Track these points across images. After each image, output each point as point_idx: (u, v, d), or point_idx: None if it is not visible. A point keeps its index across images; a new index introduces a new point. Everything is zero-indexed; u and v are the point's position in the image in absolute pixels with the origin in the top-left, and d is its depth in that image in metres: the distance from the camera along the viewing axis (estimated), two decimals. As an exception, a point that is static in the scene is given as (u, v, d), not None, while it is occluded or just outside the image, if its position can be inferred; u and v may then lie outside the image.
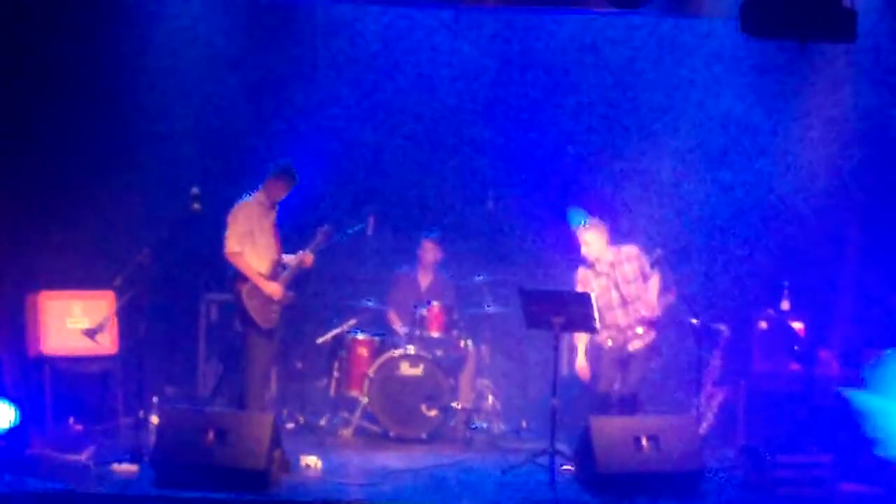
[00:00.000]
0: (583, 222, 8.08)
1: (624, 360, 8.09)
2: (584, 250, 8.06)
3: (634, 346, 8.07)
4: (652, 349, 8.17)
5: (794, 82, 9.24)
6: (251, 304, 7.99)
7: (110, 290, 8.19)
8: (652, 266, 8.02)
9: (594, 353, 8.20)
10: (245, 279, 8.00)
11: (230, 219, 8.02)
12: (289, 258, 8.27)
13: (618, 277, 8.04)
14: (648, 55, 9.66)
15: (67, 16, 8.79)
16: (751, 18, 6.97)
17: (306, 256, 8.25)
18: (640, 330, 8.03)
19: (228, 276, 8.11)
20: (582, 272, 8.16)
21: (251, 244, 8.04)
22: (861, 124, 8.96)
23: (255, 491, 6.81)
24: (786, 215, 9.37)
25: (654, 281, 8.11)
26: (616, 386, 8.09)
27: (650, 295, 8.08)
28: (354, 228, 8.98)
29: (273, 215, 8.21)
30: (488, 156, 9.91)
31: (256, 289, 8.00)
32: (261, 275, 8.04)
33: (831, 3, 6.99)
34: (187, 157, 9.23)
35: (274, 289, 8.05)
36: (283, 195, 8.18)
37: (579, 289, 8.02)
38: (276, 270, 8.16)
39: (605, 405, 8.02)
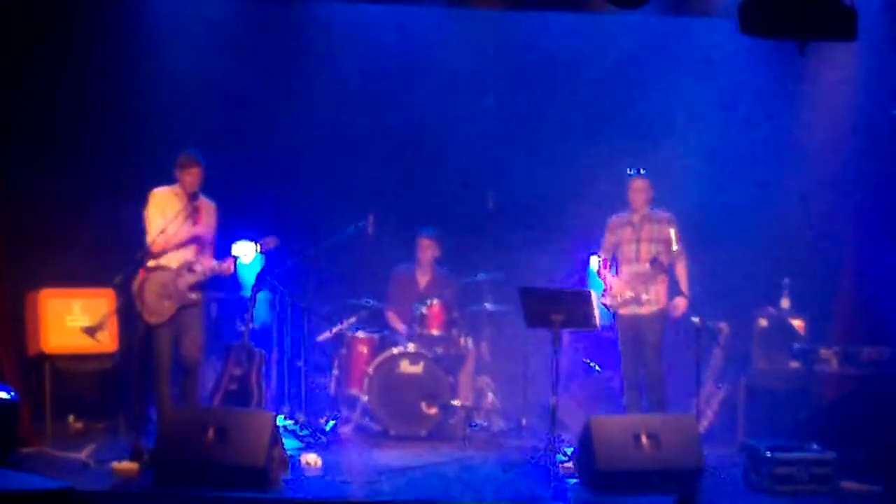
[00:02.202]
0: (635, 171, 8.49)
1: (636, 329, 8.32)
2: (630, 195, 8.47)
3: (643, 310, 8.30)
4: (660, 321, 8.31)
5: (794, 82, 9.23)
6: (141, 295, 7.78)
7: (110, 288, 8.20)
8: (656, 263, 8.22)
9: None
10: (148, 269, 7.80)
11: None
12: (208, 262, 7.94)
13: (641, 232, 8.36)
14: (648, 54, 9.65)
15: (69, 15, 8.81)
16: (750, 18, 6.93)
17: (226, 265, 8.01)
18: (645, 295, 8.30)
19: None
20: (613, 219, 8.55)
21: (163, 234, 7.75)
22: (861, 124, 8.95)
23: (255, 489, 6.81)
24: (786, 213, 9.36)
25: (678, 267, 8.33)
26: (639, 367, 8.34)
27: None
28: (354, 228, 8.99)
29: (201, 211, 7.93)
30: (488, 155, 9.89)
31: (153, 282, 7.78)
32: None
33: (831, 1, 6.97)
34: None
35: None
36: (192, 181, 7.85)
37: (608, 235, 8.53)
38: (186, 267, 7.85)
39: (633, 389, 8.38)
